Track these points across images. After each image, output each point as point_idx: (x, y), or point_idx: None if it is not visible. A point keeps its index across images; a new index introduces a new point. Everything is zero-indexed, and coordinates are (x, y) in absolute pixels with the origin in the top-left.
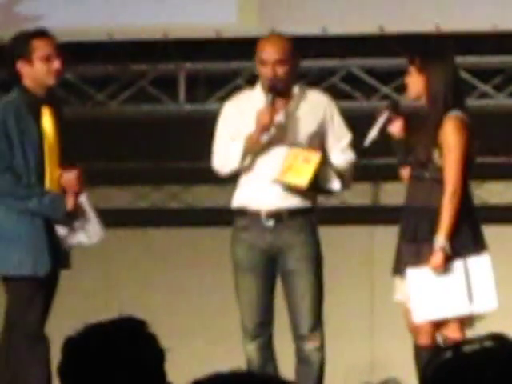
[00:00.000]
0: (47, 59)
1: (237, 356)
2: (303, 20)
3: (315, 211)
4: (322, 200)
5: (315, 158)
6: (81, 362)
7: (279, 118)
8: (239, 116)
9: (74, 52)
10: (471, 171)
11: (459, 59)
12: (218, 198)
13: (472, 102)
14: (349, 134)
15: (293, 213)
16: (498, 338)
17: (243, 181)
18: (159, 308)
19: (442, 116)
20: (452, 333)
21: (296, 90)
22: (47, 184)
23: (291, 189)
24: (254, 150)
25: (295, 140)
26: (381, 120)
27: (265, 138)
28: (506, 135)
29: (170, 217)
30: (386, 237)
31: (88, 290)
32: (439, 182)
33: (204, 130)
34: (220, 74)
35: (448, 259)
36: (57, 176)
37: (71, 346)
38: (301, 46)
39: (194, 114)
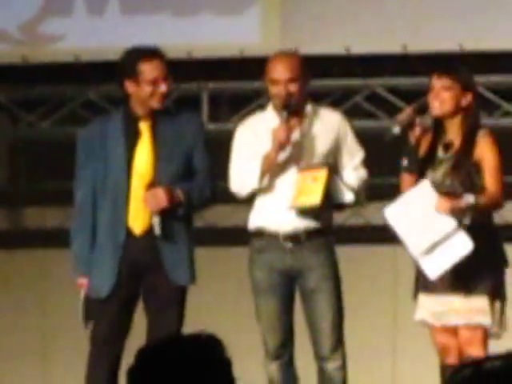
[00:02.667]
0: (154, 83)
1: (258, 375)
2: (326, 39)
3: (332, 231)
4: (346, 219)
5: (322, 174)
6: (151, 370)
7: (295, 136)
8: (254, 138)
9: (96, 72)
10: None
11: (482, 78)
12: (241, 218)
13: (495, 120)
14: (361, 152)
15: (310, 233)
16: None
17: (260, 202)
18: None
19: (477, 133)
20: (476, 351)
21: (309, 108)
22: (131, 210)
23: (307, 211)
24: (272, 169)
25: (311, 159)
26: (406, 119)
27: (282, 156)
28: None
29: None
30: (410, 256)
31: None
32: None
33: (227, 149)
34: (243, 93)
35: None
36: (144, 210)
37: (146, 352)
38: (324, 66)
39: (216, 133)
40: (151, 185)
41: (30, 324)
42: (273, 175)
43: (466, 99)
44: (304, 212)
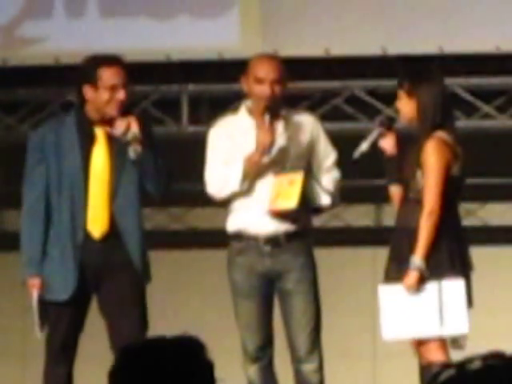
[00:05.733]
0: (112, 89)
1: (237, 378)
2: (306, 41)
3: (311, 234)
4: (326, 222)
5: (298, 177)
6: (132, 371)
7: (280, 139)
8: (229, 140)
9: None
10: (459, 192)
11: (462, 80)
12: (221, 220)
13: (474, 123)
14: (334, 153)
15: (290, 236)
16: (498, 356)
17: (238, 204)
18: (162, 328)
19: (428, 137)
20: (433, 355)
21: (283, 112)
22: (90, 214)
23: (284, 214)
24: (253, 172)
25: (286, 162)
26: (373, 134)
27: (265, 158)
28: (509, 156)
29: (172, 239)
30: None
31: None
32: (420, 202)
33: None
34: (223, 95)
35: (423, 279)
36: (103, 213)
37: (126, 353)
38: (304, 68)
39: (196, 135)
40: (111, 189)
41: (10, 325)
42: (254, 178)
43: (411, 107)
44: (280, 215)
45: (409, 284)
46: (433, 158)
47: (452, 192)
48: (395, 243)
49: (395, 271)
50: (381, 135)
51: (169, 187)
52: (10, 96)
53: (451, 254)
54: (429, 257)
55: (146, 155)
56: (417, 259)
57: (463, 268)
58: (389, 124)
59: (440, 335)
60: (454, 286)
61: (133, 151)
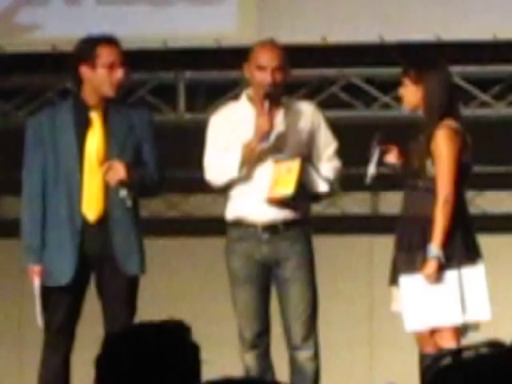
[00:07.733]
0: (110, 67)
1: (234, 365)
2: (303, 29)
3: (309, 222)
4: (322, 209)
5: (295, 165)
6: (118, 356)
7: (278, 126)
8: (229, 127)
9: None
10: (467, 179)
11: (459, 68)
12: (218, 208)
13: (471, 111)
14: (335, 142)
15: (288, 224)
16: (496, 345)
17: (237, 192)
18: (157, 316)
19: (436, 126)
20: (446, 342)
21: (284, 100)
22: (85, 198)
23: (282, 202)
24: (252, 158)
25: (286, 150)
26: (374, 155)
27: (264, 145)
28: (506, 144)
29: (169, 226)
30: (386, 246)
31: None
32: (432, 191)
33: (204, 139)
34: (220, 83)
35: (441, 268)
36: (97, 198)
37: (112, 338)
38: (300, 55)
39: (193, 123)
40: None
41: (7, 313)
42: (252, 165)
43: (416, 95)
44: (278, 202)
45: (428, 273)
46: (445, 146)
47: (462, 180)
48: (403, 232)
49: (405, 261)
50: (382, 153)
51: (161, 189)
52: (6, 83)
53: (464, 241)
54: (446, 246)
55: (135, 193)
56: (434, 248)
57: (475, 255)
58: (383, 139)
59: (463, 322)
60: (474, 273)
61: (126, 200)
